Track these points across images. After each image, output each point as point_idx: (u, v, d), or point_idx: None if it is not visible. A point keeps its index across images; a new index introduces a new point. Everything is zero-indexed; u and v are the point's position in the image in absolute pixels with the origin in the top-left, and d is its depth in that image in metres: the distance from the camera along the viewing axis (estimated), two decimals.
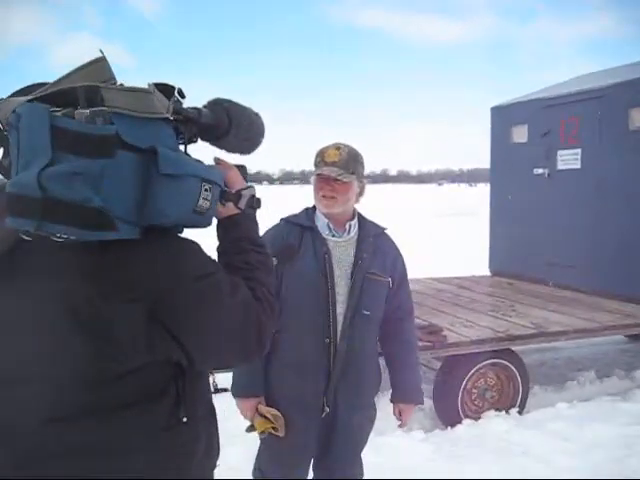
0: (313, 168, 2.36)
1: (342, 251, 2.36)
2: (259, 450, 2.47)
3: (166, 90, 1.23)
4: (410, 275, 2.57)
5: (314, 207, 2.43)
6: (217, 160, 1.45)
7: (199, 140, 1.38)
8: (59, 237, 1.06)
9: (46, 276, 1.14)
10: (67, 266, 1.13)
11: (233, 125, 1.39)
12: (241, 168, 1.53)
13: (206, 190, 1.20)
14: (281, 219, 2.49)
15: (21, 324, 1.15)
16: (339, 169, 2.26)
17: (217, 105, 1.39)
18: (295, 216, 2.48)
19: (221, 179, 1.31)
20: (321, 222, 2.38)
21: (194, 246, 1.24)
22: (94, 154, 1.04)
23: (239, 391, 2.36)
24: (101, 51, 1.13)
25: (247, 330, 1.26)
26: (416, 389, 2.51)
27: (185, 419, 1.25)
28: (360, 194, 2.40)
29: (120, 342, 1.13)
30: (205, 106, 1.38)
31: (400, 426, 2.56)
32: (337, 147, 2.31)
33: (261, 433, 2.33)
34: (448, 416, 4.19)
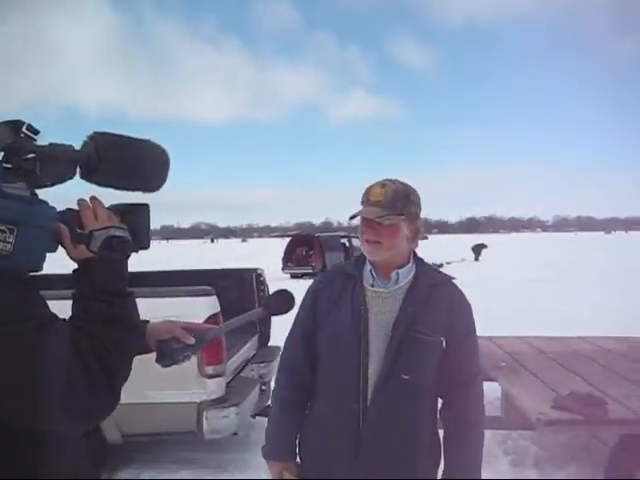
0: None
1: (384, 303, 2.06)
2: None
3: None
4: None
5: None
6: (79, 200, 1.36)
7: (76, 176, 1.32)
8: None
9: None
10: None
11: (102, 158, 1.29)
12: (136, 208, 1.42)
13: (2, 231, 1.11)
14: (332, 267, 2.31)
15: None
16: (382, 209, 1.99)
17: (88, 139, 1.32)
18: (345, 264, 2.27)
19: (49, 219, 1.23)
20: (366, 270, 2.12)
21: None
22: None
23: (267, 453, 2.20)
24: None
25: (41, 387, 1.13)
26: (470, 472, 2.07)
27: None
28: (415, 237, 2.10)
29: None
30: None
31: None
32: (383, 184, 2.04)
33: None
34: None
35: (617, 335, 5.89)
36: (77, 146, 1.31)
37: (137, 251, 1.43)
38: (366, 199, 2.05)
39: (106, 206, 1.37)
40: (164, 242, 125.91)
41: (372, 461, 2.02)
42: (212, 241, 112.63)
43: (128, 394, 3.77)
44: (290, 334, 2.25)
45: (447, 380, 2.08)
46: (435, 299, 2.07)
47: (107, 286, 1.27)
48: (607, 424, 3.27)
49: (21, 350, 1.11)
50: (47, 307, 1.23)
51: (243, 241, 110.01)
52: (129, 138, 1.34)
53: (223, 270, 6.18)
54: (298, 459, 2.18)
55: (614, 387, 3.84)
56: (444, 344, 2.04)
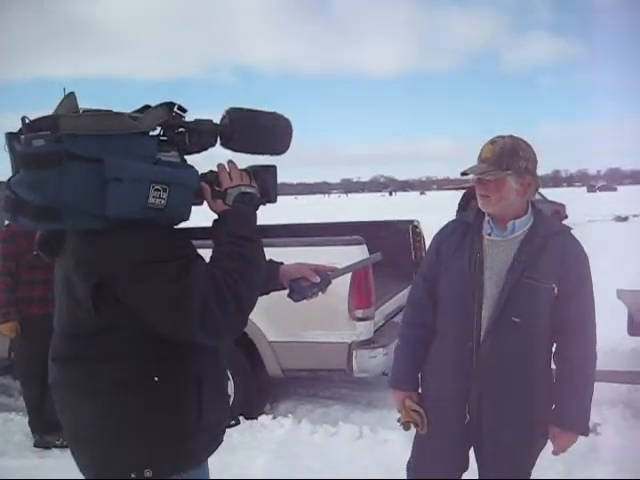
0: None
1: (498, 251, 2.19)
2: (412, 449, 2.49)
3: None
4: None
5: None
6: (219, 164, 1.67)
7: (216, 145, 1.64)
8: (30, 227, 1.50)
9: (64, 254, 1.58)
10: (69, 247, 1.54)
11: (235, 129, 1.60)
12: (266, 169, 1.72)
13: (157, 190, 1.43)
14: (455, 217, 2.46)
15: (58, 286, 1.63)
16: (488, 166, 2.12)
17: (225, 113, 1.63)
18: (467, 214, 2.41)
19: (193, 180, 1.55)
20: (485, 220, 2.26)
21: (148, 237, 1.48)
22: (42, 166, 1.39)
23: (391, 382, 2.47)
24: (64, 90, 1.51)
25: (183, 309, 1.44)
26: (575, 415, 2.15)
27: (157, 379, 1.53)
28: (526, 191, 2.17)
29: (79, 304, 1.50)
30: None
31: (553, 453, 2.22)
32: (492, 141, 2.16)
33: (403, 424, 2.38)
34: None
35: None
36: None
37: (265, 204, 1.74)
38: (479, 155, 2.18)
39: (240, 168, 1.68)
40: (344, 196, 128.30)
41: (483, 396, 2.19)
42: (390, 194, 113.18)
43: (288, 333, 4.23)
44: (417, 276, 2.47)
45: (559, 326, 2.17)
46: (549, 248, 2.16)
47: (238, 231, 1.59)
48: None
49: (166, 282, 1.45)
50: (194, 249, 1.58)
51: (421, 194, 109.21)
52: (258, 112, 1.64)
53: (380, 222, 6.41)
54: (420, 390, 2.40)
55: None
56: (556, 291, 2.12)
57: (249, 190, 1.64)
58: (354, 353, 4.23)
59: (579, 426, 2.18)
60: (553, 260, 2.14)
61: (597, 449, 3.60)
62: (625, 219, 23.27)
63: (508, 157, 2.11)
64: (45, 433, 4.26)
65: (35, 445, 4.29)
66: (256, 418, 4.33)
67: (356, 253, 4.19)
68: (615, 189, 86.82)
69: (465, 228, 2.31)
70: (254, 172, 1.71)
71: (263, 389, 4.69)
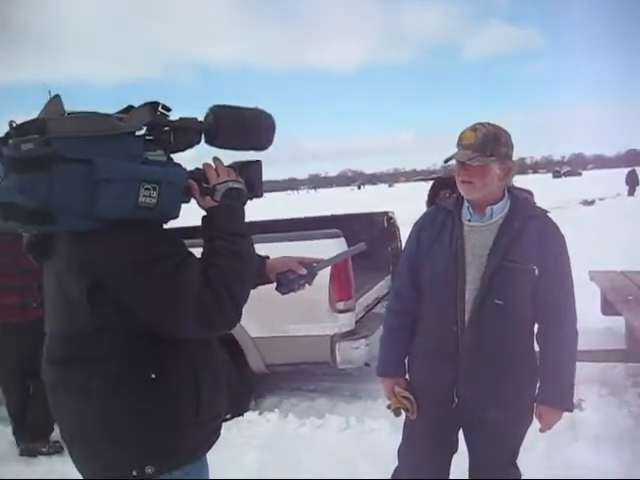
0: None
1: (478, 236, 2.25)
2: (402, 434, 2.53)
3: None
4: None
5: None
6: (205, 163, 1.68)
7: (201, 143, 1.66)
8: (21, 230, 1.49)
9: (55, 256, 1.58)
10: (60, 249, 1.55)
11: (220, 126, 1.62)
12: (251, 164, 1.74)
13: (147, 189, 1.45)
14: (435, 205, 2.50)
15: (50, 289, 1.63)
16: (473, 152, 2.15)
17: (209, 111, 1.64)
18: (447, 202, 2.46)
19: (182, 178, 1.57)
20: (464, 207, 2.31)
21: (141, 236, 1.49)
22: (32, 170, 1.39)
23: (379, 370, 2.51)
24: (49, 93, 1.51)
25: (178, 307, 1.47)
26: (559, 392, 2.23)
27: (154, 376, 1.54)
28: (507, 176, 2.23)
29: (74, 305, 1.50)
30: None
31: (540, 430, 2.29)
32: (474, 128, 2.20)
33: (393, 411, 2.42)
34: None
35: None
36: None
37: (252, 199, 1.76)
38: (459, 142, 2.22)
39: (226, 164, 1.70)
40: (312, 191, 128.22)
41: (470, 379, 2.24)
42: (359, 188, 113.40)
43: (270, 329, 4.23)
44: (399, 265, 2.51)
45: (540, 306, 2.23)
46: (528, 231, 2.22)
47: (228, 227, 1.61)
48: None
49: (161, 280, 1.47)
50: (184, 246, 1.60)
51: (390, 186, 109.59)
52: (242, 108, 1.67)
53: (355, 215, 6.46)
54: (407, 376, 2.45)
55: None
56: (536, 272, 2.18)
57: (237, 186, 1.67)
58: (337, 345, 4.28)
59: (564, 403, 2.25)
60: (532, 242, 2.20)
61: (576, 427, 3.70)
62: (592, 203, 23.69)
63: (492, 143, 2.15)
64: (30, 441, 4.20)
65: (21, 454, 4.23)
66: (242, 415, 4.34)
67: (335, 246, 4.23)
68: (580, 174, 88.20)
69: (445, 215, 2.35)
70: (240, 168, 1.73)
71: (247, 386, 4.70)
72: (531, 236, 2.21)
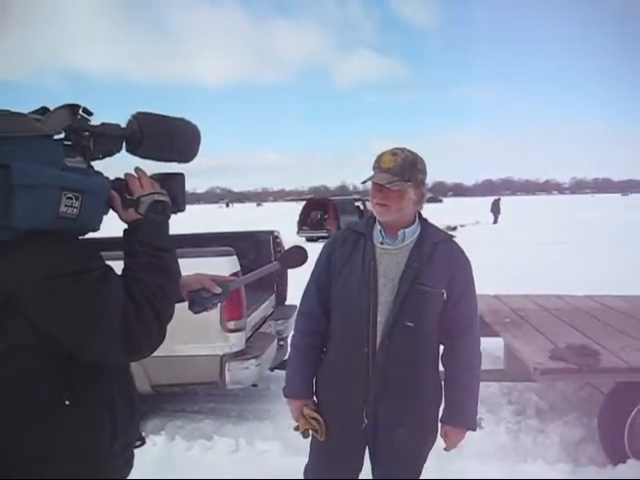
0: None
1: (391, 259, 2.30)
2: (309, 453, 2.53)
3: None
4: None
5: None
6: (127, 173, 1.59)
7: (122, 150, 1.56)
8: None
9: None
10: None
11: (145, 135, 1.53)
12: (173, 176, 1.67)
13: (69, 198, 1.33)
14: (345, 226, 2.53)
15: None
16: (392, 176, 2.20)
17: (133, 118, 1.55)
18: (357, 223, 2.50)
19: (104, 187, 1.47)
20: (376, 229, 2.35)
21: (60, 249, 1.37)
22: None
23: (287, 391, 2.46)
24: None
25: (103, 327, 1.37)
26: (464, 412, 2.32)
27: (67, 402, 1.41)
28: (420, 201, 2.31)
29: None
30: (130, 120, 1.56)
31: (445, 449, 2.39)
32: (393, 153, 2.25)
33: (302, 432, 2.41)
34: (612, 451, 3.67)
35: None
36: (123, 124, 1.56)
37: (176, 213, 1.69)
38: (377, 165, 2.26)
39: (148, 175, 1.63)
40: None
41: (380, 400, 2.28)
42: (227, 205, 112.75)
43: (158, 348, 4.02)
44: (307, 286, 2.49)
45: (447, 327, 2.31)
46: (437, 255, 2.30)
47: (153, 242, 1.53)
48: (599, 372, 3.46)
49: (86, 295, 1.36)
50: (103, 260, 1.48)
51: (258, 205, 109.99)
52: (167, 117, 1.60)
53: (241, 233, 6.40)
54: (315, 398, 2.44)
55: (611, 340, 4.03)
56: (445, 295, 2.27)
57: (162, 198, 1.59)
58: (227, 365, 4.19)
59: (468, 422, 2.34)
60: (441, 266, 2.28)
61: (461, 444, 3.85)
62: (454, 229, 25.00)
63: (410, 169, 2.22)
64: None
65: None
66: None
67: (228, 264, 4.18)
68: (441, 200, 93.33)
69: (356, 237, 2.38)
70: (161, 180, 1.66)
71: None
72: (440, 260, 2.29)
